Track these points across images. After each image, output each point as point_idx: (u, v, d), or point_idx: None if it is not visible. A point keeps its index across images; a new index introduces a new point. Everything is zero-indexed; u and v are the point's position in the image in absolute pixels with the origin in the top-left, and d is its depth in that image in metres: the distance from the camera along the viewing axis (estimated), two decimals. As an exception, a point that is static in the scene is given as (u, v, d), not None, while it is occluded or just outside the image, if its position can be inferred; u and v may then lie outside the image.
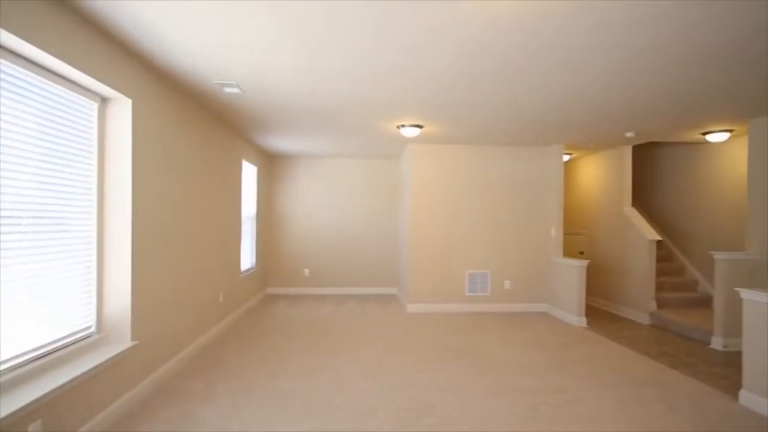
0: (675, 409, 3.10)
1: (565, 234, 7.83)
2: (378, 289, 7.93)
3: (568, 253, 7.68)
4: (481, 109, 4.32)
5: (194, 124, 4.15)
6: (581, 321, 5.62)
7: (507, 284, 6.51)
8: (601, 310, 6.70)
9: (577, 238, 7.58)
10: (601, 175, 6.88)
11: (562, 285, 6.05)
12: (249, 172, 6.53)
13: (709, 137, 5.26)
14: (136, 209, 3.06)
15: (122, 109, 2.97)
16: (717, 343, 4.64)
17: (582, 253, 7.39)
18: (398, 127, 5.02)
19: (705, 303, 6.12)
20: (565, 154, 7.00)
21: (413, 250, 6.39)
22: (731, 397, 3.33)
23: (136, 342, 3.05)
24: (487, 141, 6.11)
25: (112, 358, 2.72)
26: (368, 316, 6.04)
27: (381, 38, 2.66)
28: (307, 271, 7.78)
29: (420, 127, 5.00)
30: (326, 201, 7.83)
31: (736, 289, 3.42)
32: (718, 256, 4.62)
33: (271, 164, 7.78)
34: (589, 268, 7.13)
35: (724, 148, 6.04)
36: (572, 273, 5.75)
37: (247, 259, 6.51)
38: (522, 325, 5.63)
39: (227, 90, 3.67)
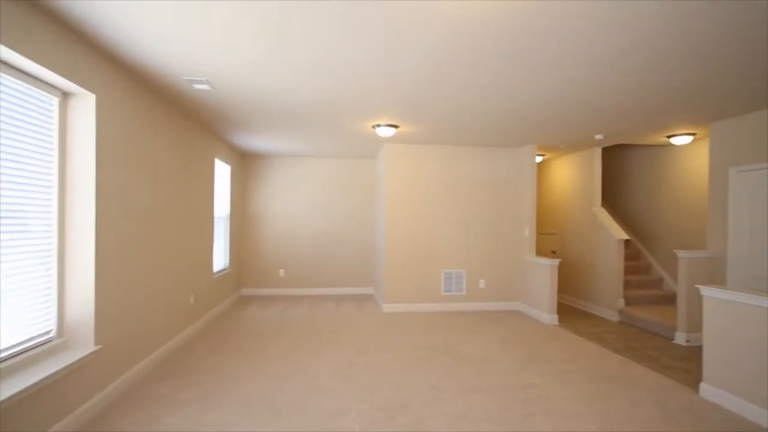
0: (638, 403, 3.20)
1: (538, 233, 7.99)
2: (355, 289, 7.90)
3: (541, 252, 7.84)
4: (455, 110, 4.36)
5: (164, 121, 4.05)
6: (553, 318, 5.74)
7: (482, 283, 6.59)
8: (572, 307, 6.86)
9: (549, 237, 7.75)
10: (573, 176, 7.05)
11: (534, 284, 6.16)
12: (222, 171, 6.41)
13: (674, 140, 5.46)
14: (101, 208, 2.96)
15: (85, 104, 2.86)
16: (680, 338, 4.82)
17: (554, 252, 7.55)
18: (374, 126, 5.02)
19: (670, 300, 6.34)
20: (538, 155, 7.14)
21: (389, 249, 6.40)
22: (693, 390, 3.46)
23: (100, 346, 2.95)
24: (462, 141, 6.18)
25: (73, 363, 2.62)
26: (344, 316, 6.02)
27: (352, 38, 2.65)
28: (282, 272, 7.69)
29: (395, 127, 5.01)
30: (302, 201, 7.76)
31: (696, 286, 3.55)
32: (681, 254, 4.79)
33: (246, 163, 7.66)
34: (560, 267, 7.29)
35: (687, 151, 6.28)
36: (544, 272, 5.87)
37: (220, 259, 6.39)
38: (496, 323, 5.71)
39: (197, 86, 3.59)
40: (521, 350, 4.50)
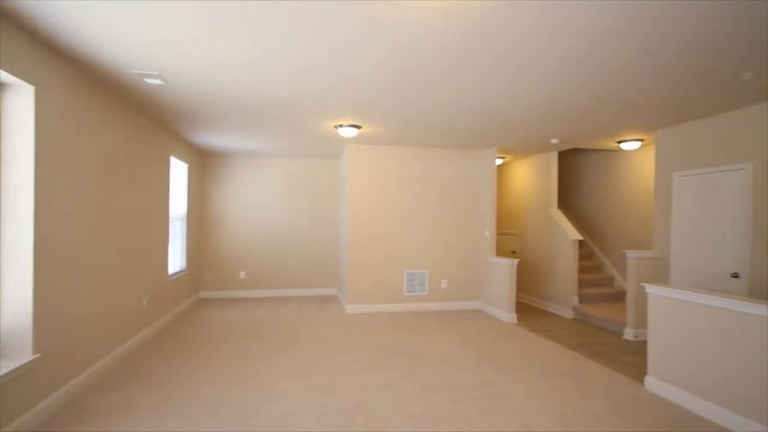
0: (590, 397, 3.33)
1: (499, 234, 8.19)
2: (318, 290, 7.82)
3: (501, 252, 8.04)
4: (417, 112, 4.40)
5: (114, 117, 3.85)
6: (512, 317, 5.90)
7: (444, 283, 6.68)
8: (530, 306, 7.07)
9: (510, 238, 7.96)
10: (531, 179, 7.27)
11: (494, 283, 6.31)
12: (179, 170, 6.18)
13: (623, 146, 5.74)
14: (41, 208, 2.78)
15: (22, 96, 2.68)
16: (629, 333, 5.06)
17: (514, 252, 7.76)
18: (336, 127, 4.98)
19: (620, 297, 6.66)
20: (499, 158, 7.32)
21: (352, 250, 6.38)
22: (639, 383, 3.64)
23: (39, 355, 2.77)
24: (425, 143, 6.24)
25: (8, 373, 2.45)
26: (306, 317, 5.94)
27: (314, 37, 2.62)
28: (243, 274, 7.51)
29: (358, 127, 5.00)
30: (265, 201, 7.61)
31: (642, 284, 3.74)
32: (629, 254, 5.04)
33: (205, 162, 7.43)
34: (520, 267, 7.50)
35: (636, 156, 6.61)
36: (503, 272, 6.02)
37: (177, 261, 6.16)
38: (457, 322, 5.81)
39: (149, 81, 3.44)
40: (480, 348, 4.60)
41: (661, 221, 5.06)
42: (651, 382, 3.49)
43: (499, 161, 7.43)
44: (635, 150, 6.53)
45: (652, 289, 3.49)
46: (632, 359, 4.31)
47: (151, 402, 3.14)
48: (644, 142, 5.76)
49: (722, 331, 2.93)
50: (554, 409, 3.12)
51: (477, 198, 6.81)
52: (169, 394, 3.30)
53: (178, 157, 5.95)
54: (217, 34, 2.61)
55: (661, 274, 5.01)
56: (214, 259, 7.43)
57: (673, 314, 3.31)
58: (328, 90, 3.67)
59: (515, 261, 5.89)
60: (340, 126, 4.92)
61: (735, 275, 4.18)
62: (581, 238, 6.34)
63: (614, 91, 3.61)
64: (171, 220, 5.78)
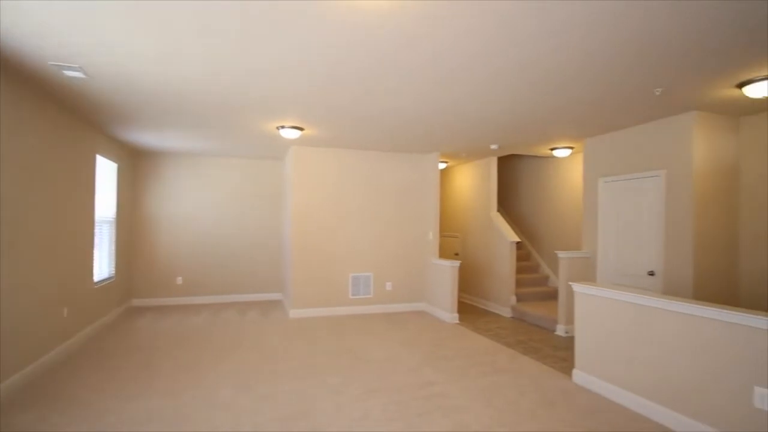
0: (523, 392, 3.49)
1: (443, 236, 8.40)
2: (262, 295, 7.60)
3: (445, 254, 8.24)
4: (359, 116, 4.41)
5: (29, 112, 3.52)
6: (454, 317, 6.06)
7: (389, 285, 6.74)
8: (472, 306, 7.30)
9: (453, 240, 8.18)
10: (473, 183, 7.53)
11: (437, 284, 6.45)
12: (107, 170, 5.76)
13: (556, 152, 6.09)
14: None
15: None
16: (561, 330, 5.37)
17: (457, 254, 7.99)
18: (278, 128, 4.88)
19: (554, 296, 7.05)
20: (442, 162, 7.51)
21: (296, 253, 6.27)
22: (567, 376, 3.87)
23: (-68, 375, 2.46)
24: (369, 146, 6.27)
25: None
26: (248, 324, 5.75)
27: (250, 33, 2.55)
28: (180, 279, 7.14)
29: (300, 129, 4.92)
30: (205, 202, 7.28)
31: (569, 283, 3.98)
32: (561, 255, 5.35)
33: (137, 161, 6.99)
34: (462, 268, 7.74)
35: (567, 162, 7.05)
36: (445, 273, 6.18)
37: (104, 267, 5.73)
38: (401, 324, 5.87)
39: (68, 74, 3.18)
40: (423, 349, 4.68)
41: (588, 223, 5.42)
42: (578, 375, 3.72)
43: (442, 165, 7.63)
44: (567, 157, 6.95)
45: (577, 288, 3.73)
46: (563, 354, 4.57)
47: (71, 420, 2.90)
48: (574, 150, 6.15)
49: (638, 325, 3.19)
50: (490, 405, 3.24)
51: (421, 201, 6.94)
52: (94, 410, 3.05)
53: (106, 156, 5.55)
54: (142, 25, 2.47)
55: (589, 273, 5.36)
56: (147, 265, 6.99)
57: (596, 310, 3.56)
58: (269, 91, 3.59)
59: (457, 263, 6.06)
60: (282, 127, 4.82)
61: (651, 273, 4.56)
62: (518, 239, 6.64)
63: (545, 102, 3.83)
64: (97, 224, 5.37)
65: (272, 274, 7.66)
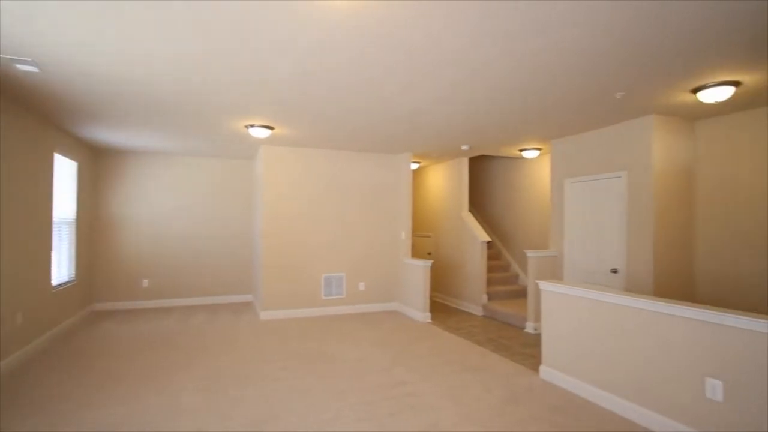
0: (491, 389, 3.55)
1: (416, 236, 8.45)
2: (233, 297, 7.45)
3: (418, 254, 8.30)
4: (330, 116, 4.38)
5: (-23, 106, 3.34)
6: (426, 317, 6.10)
7: (362, 286, 6.73)
8: (445, 305, 7.38)
9: (426, 240, 8.24)
10: (445, 183, 7.61)
11: (410, 284, 6.49)
12: (66, 169, 5.52)
13: (525, 153, 6.23)
14: None
15: None
16: (530, 327, 5.49)
17: (430, 253, 8.05)
18: (247, 127, 4.79)
19: (524, 294, 7.20)
20: (415, 162, 7.55)
21: (267, 254, 6.18)
22: (535, 372, 3.96)
23: None
24: (342, 146, 6.24)
25: None
26: (217, 327, 5.63)
27: (214, 27, 2.49)
28: (146, 282, 6.91)
29: (270, 128, 4.85)
30: (172, 203, 7.07)
31: (536, 281, 4.07)
32: (529, 254, 5.47)
33: (99, 160, 6.72)
34: (434, 267, 7.80)
35: (535, 163, 7.21)
36: (418, 273, 6.22)
37: (63, 270, 5.49)
38: (373, 324, 5.87)
39: (21, 68, 3.03)
40: (395, 349, 4.69)
41: (556, 223, 5.57)
42: (545, 371, 3.81)
43: (415, 165, 7.67)
44: (535, 158, 7.12)
45: (543, 285, 3.82)
46: (531, 351, 4.68)
47: (28, 430, 2.76)
48: (542, 151, 6.31)
49: (600, 321, 3.29)
50: (459, 404, 3.28)
51: (393, 201, 6.96)
52: (51, 420, 2.92)
53: (65, 154, 5.32)
54: (95, 17, 2.38)
55: (556, 271, 5.50)
56: (111, 267, 6.74)
57: (561, 307, 3.66)
58: (236, 89, 3.52)
59: (429, 262, 6.11)
60: (252, 126, 4.74)
61: (614, 271, 4.72)
62: (489, 239, 6.76)
63: (512, 104, 3.91)
64: (56, 225, 5.14)
65: (243, 275, 7.52)
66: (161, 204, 7.02)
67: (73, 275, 5.75)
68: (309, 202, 6.43)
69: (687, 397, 2.69)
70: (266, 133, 4.91)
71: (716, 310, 2.58)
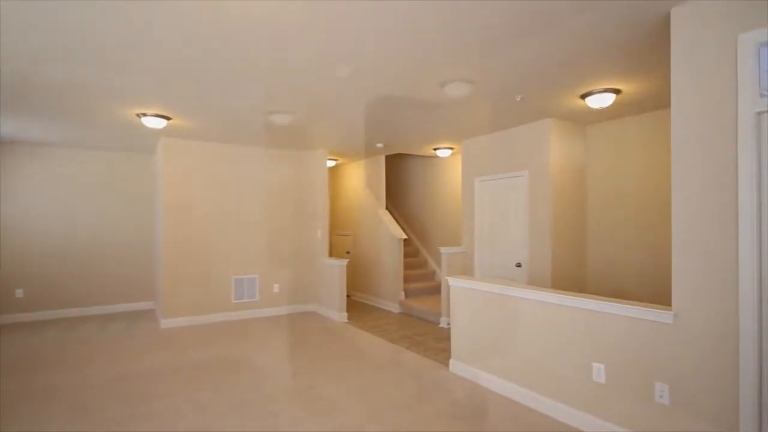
0: (401, 386, 3.54)
1: (335, 235, 8.31)
2: (131, 305, 6.74)
3: (338, 253, 8.16)
4: (228, 107, 4.09)
5: None
6: (343, 316, 6.00)
7: (276, 287, 6.44)
8: (363, 303, 7.33)
9: (344, 238, 8.14)
10: (363, 181, 7.56)
11: (327, 284, 6.34)
12: None
13: (438, 152, 6.38)
14: None
15: None
16: (443, 322, 5.62)
17: (349, 252, 7.96)
18: (138, 115, 4.31)
19: (440, 290, 7.39)
20: (331, 159, 7.41)
21: (168, 256, 5.65)
22: (445, 366, 4.03)
23: None
24: (251, 141, 5.91)
25: None
26: (107, 339, 5.02)
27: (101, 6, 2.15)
28: (20, 292, 5.99)
29: (167, 118, 4.42)
30: (54, 201, 6.20)
31: (445, 277, 4.15)
32: (443, 250, 5.60)
33: (-42, 150, 5.70)
34: (353, 266, 7.73)
35: (448, 162, 7.44)
36: (334, 272, 6.09)
37: None
38: (288, 327, 5.64)
39: None
40: (307, 352, 4.52)
41: (467, 220, 5.76)
42: (454, 364, 3.89)
43: (332, 163, 7.53)
44: (449, 157, 7.33)
45: (451, 281, 3.90)
46: (443, 345, 4.77)
47: None
48: (454, 151, 6.50)
49: (502, 313, 3.42)
50: (369, 403, 3.21)
51: (309, 199, 6.75)
52: None
53: None
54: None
55: (468, 267, 5.69)
56: (-27, 277, 5.75)
57: (467, 301, 3.75)
58: (117, 71, 3.11)
59: (345, 261, 6.01)
60: (144, 115, 4.27)
61: (518, 265, 4.98)
62: (405, 236, 6.83)
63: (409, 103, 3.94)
64: None
65: (143, 280, 6.84)
66: (40, 202, 6.12)
67: None
68: (217, 201, 6.00)
69: (577, 382, 2.87)
70: (162, 123, 4.46)
71: (595, 298, 2.77)
